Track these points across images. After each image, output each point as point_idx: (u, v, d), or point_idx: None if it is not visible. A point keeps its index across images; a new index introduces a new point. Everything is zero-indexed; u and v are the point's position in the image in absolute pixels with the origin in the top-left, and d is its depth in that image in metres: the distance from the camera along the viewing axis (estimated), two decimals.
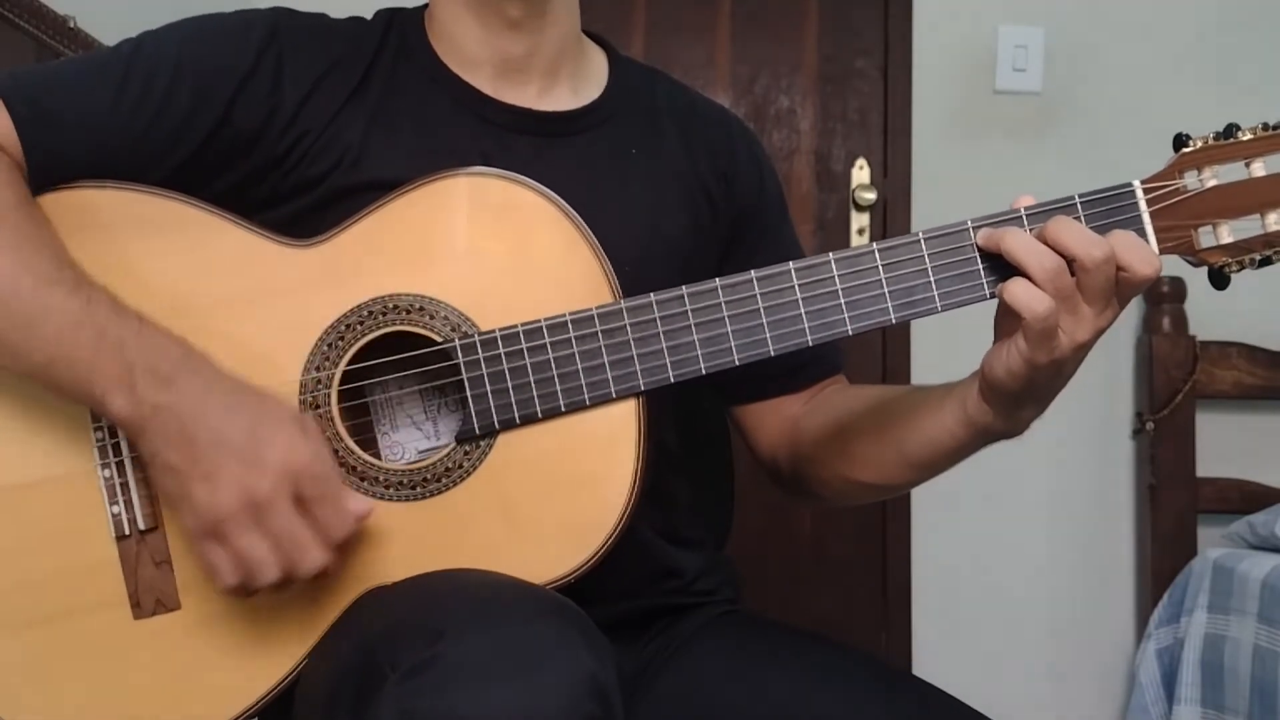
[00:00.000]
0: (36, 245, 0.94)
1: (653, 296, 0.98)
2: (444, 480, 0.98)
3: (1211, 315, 2.56)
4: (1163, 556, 2.56)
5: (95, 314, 0.92)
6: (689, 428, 1.19)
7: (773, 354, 0.97)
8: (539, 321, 0.98)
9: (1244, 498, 2.56)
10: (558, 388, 0.98)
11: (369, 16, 1.16)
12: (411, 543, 0.97)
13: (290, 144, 1.05)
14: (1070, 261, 0.90)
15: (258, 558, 0.90)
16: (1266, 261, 0.97)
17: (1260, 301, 2.44)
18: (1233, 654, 2.18)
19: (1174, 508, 2.58)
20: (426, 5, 1.17)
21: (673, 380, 0.98)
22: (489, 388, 0.98)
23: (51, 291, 0.92)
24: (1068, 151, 2.65)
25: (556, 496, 0.98)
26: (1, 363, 0.95)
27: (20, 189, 0.98)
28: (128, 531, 0.97)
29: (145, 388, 0.90)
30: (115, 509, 0.97)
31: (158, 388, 0.90)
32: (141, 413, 0.90)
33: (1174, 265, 0.98)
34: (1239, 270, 0.97)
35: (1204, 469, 2.60)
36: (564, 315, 0.98)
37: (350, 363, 0.99)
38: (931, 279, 0.96)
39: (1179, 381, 2.57)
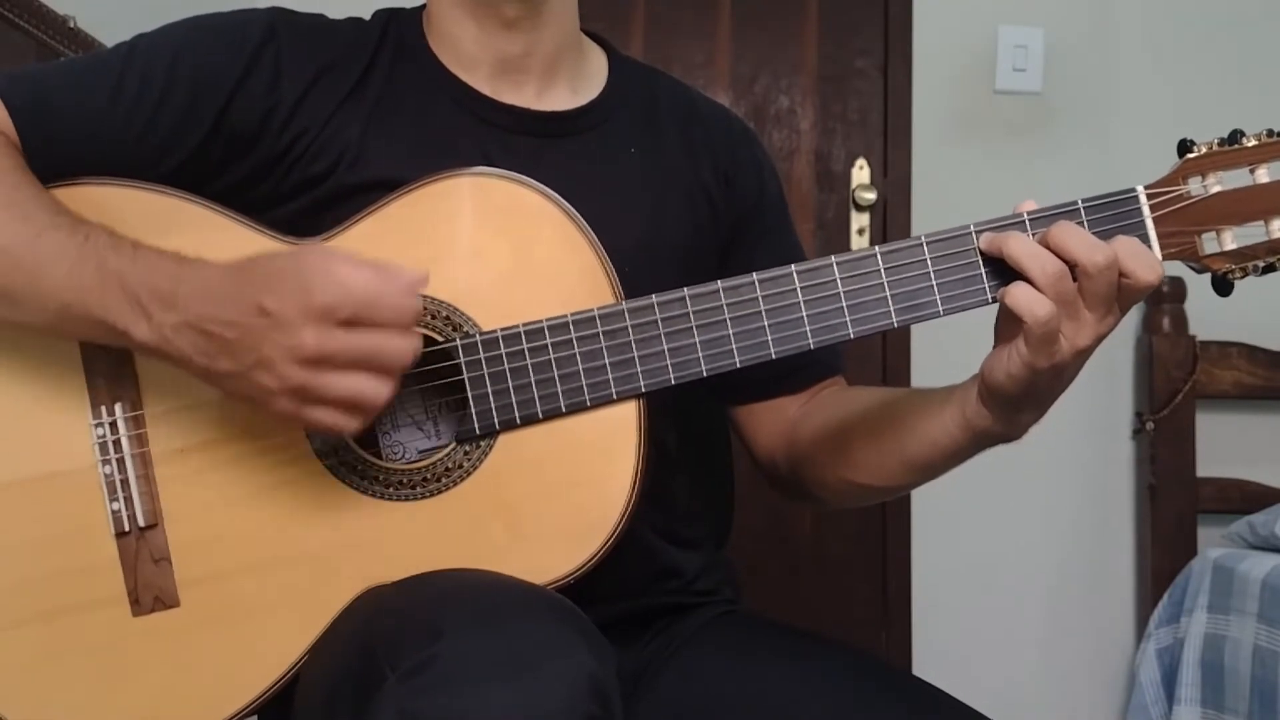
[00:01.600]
0: (31, 196, 0.96)
1: (654, 298, 0.98)
2: (444, 480, 0.98)
3: (1211, 315, 2.56)
4: (1163, 556, 2.56)
5: (95, 249, 0.93)
6: (689, 428, 1.19)
7: (774, 356, 0.97)
8: (540, 322, 0.98)
9: (1244, 498, 2.56)
10: (558, 388, 0.98)
11: (367, 17, 1.16)
12: (411, 542, 0.97)
13: (289, 143, 1.06)
14: (1072, 266, 0.90)
15: (357, 389, 0.89)
16: (1270, 268, 0.97)
17: (1260, 301, 2.43)
18: (1233, 654, 2.18)
19: (1174, 508, 2.58)
20: (424, 6, 1.17)
21: (674, 381, 0.98)
22: (490, 388, 0.98)
23: (52, 235, 0.93)
24: (1068, 152, 2.65)
25: (557, 497, 0.98)
26: (20, 320, 0.96)
27: (14, 157, 0.99)
28: (127, 528, 0.97)
29: (156, 311, 0.91)
30: (115, 506, 0.97)
31: (166, 308, 0.91)
32: (165, 335, 0.91)
33: (1175, 265, 0.98)
34: (1242, 277, 0.97)
35: (1204, 469, 2.60)
36: (565, 316, 0.98)
37: None
38: (934, 283, 0.96)
39: (1179, 381, 2.57)
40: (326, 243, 1.00)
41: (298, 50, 1.08)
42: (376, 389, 0.90)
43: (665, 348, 0.97)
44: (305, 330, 0.87)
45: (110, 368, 0.99)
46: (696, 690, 1.06)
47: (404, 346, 0.90)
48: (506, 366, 0.98)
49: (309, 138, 1.06)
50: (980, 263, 0.95)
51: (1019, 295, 0.91)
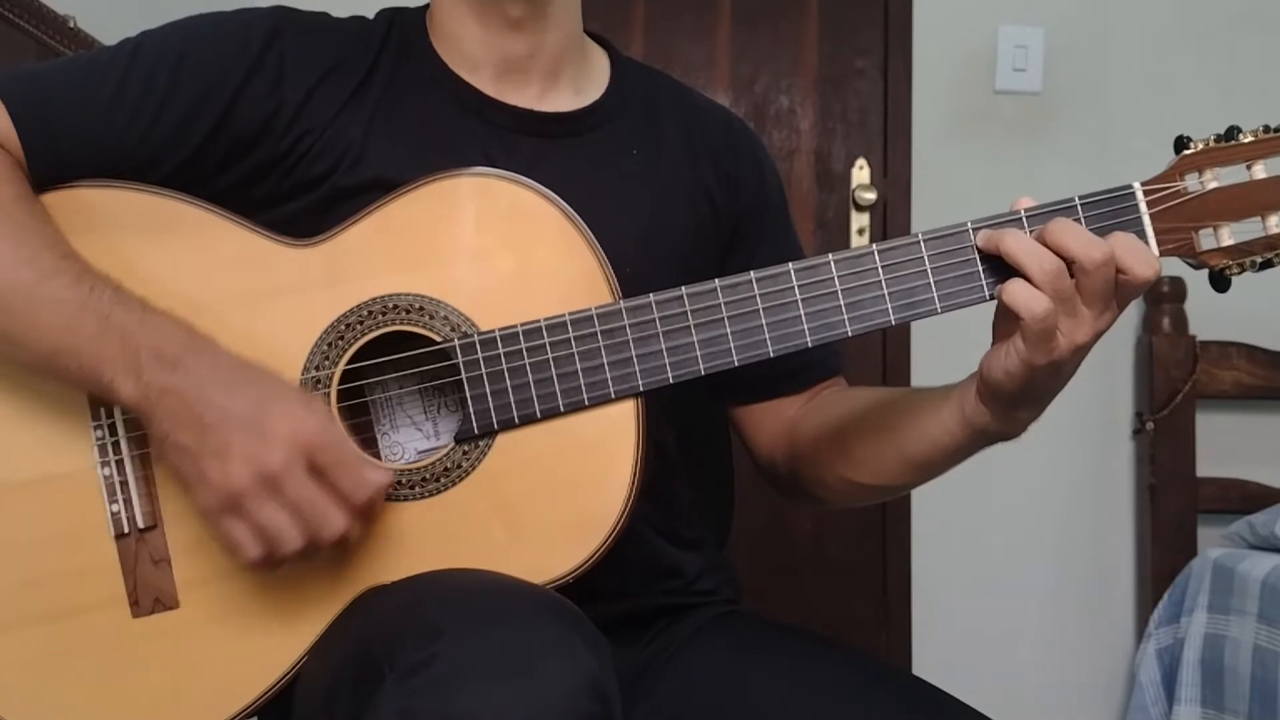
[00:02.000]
0: (38, 238, 0.95)
1: (652, 297, 0.98)
2: (443, 480, 0.98)
3: (1211, 315, 2.56)
4: (1163, 556, 2.56)
5: (99, 302, 0.93)
6: (688, 428, 1.19)
7: (772, 355, 0.97)
8: (538, 322, 0.98)
9: (1244, 498, 2.56)
10: (556, 388, 0.98)
11: (370, 16, 1.16)
12: (410, 542, 0.97)
13: (291, 143, 1.05)
14: (1070, 263, 0.90)
15: (278, 527, 0.90)
16: (1267, 264, 0.97)
17: (1260, 301, 2.43)
18: (1233, 654, 2.18)
19: (1174, 508, 2.58)
20: (428, 5, 1.17)
21: (672, 381, 0.98)
22: (488, 388, 0.98)
23: (54, 282, 0.93)
24: (1068, 151, 2.65)
25: (555, 496, 0.98)
26: (9, 355, 0.96)
27: (20, 184, 0.98)
28: (126, 530, 0.97)
29: (151, 371, 0.91)
30: (114, 507, 0.97)
31: (163, 370, 0.91)
32: (149, 396, 0.91)
33: (1174, 265, 0.98)
34: (1240, 273, 0.97)
35: (1204, 469, 2.60)
36: (563, 315, 0.98)
37: (350, 362, 0.99)
38: (931, 280, 0.96)
39: (1179, 381, 2.57)
40: (326, 242, 1.01)
41: (302, 51, 1.08)
42: (293, 540, 0.90)
43: (663, 347, 0.97)
44: (279, 450, 0.89)
45: None
46: (696, 690, 1.06)
47: (340, 523, 0.91)
48: (505, 366, 0.98)
49: (311, 139, 1.06)
50: (978, 260, 0.95)
51: (1016, 292, 0.91)
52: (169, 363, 0.91)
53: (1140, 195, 0.95)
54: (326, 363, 0.99)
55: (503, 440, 0.98)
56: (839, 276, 0.96)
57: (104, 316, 0.92)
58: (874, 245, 0.96)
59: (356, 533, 0.93)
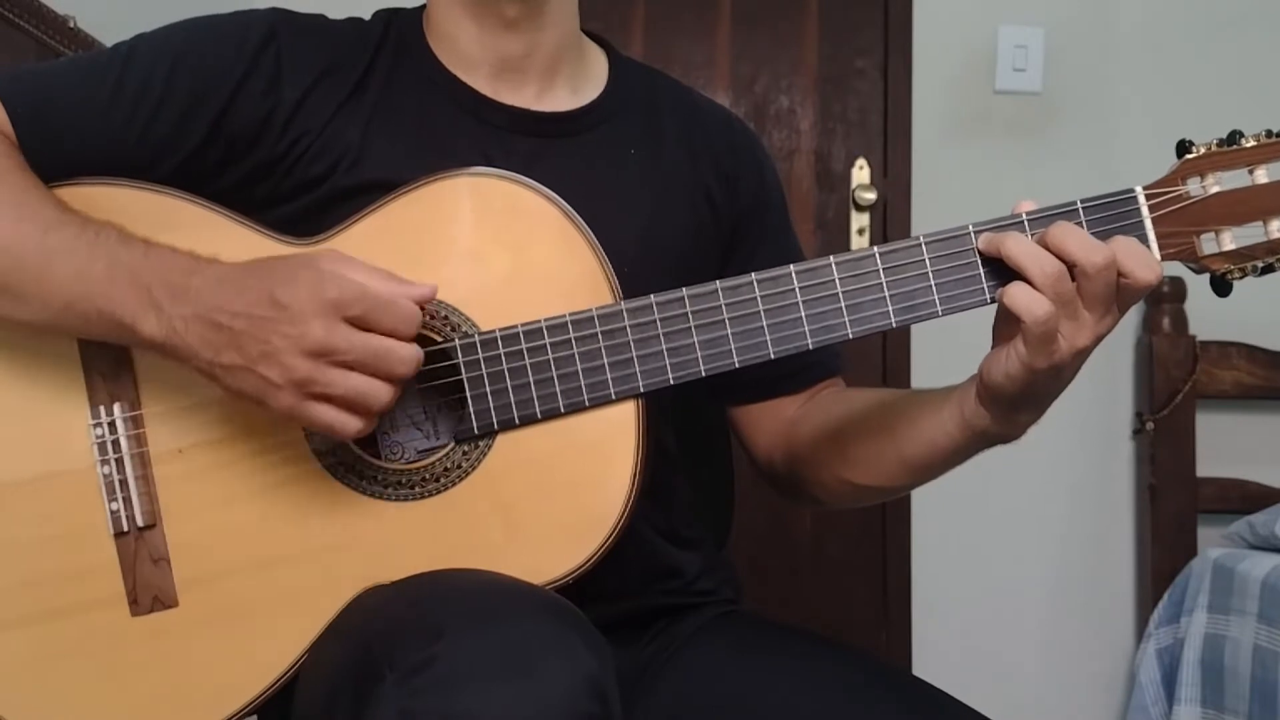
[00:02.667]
0: (36, 195, 0.96)
1: (653, 298, 0.98)
2: (443, 480, 0.98)
3: (1211, 315, 2.55)
4: (1163, 556, 2.56)
5: (105, 245, 0.93)
6: (688, 428, 1.19)
7: (773, 356, 0.97)
8: (539, 322, 0.98)
9: (1244, 498, 2.56)
10: (557, 388, 0.98)
11: (367, 17, 1.16)
12: (410, 542, 0.97)
13: (289, 144, 1.06)
14: (1071, 266, 0.90)
15: (359, 388, 0.90)
16: (1269, 269, 0.97)
17: (1260, 301, 2.43)
18: (1233, 654, 2.18)
19: (1174, 508, 2.58)
20: (424, 6, 1.17)
21: (672, 382, 0.98)
22: (488, 388, 0.98)
23: (59, 233, 0.94)
24: (1068, 152, 2.65)
25: (555, 497, 0.98)
26: (19, 316, 0.96)
27: (15, 157, 0.99)
28: (126, 528, 0.97)
29: (167, 305, 0.91)
30: (114, 506, 0.97)
31: (177, 301, 0.91)
32: (174, 327, 0.91)
33: (1174, 266, 0.98)
34: (1241, 277, 0.97)
35: (1204, 469, 2.60)
36: (564, 316, 0.98)
37: None
38: (932, 283, 0.96)
39: (1179, 381, 2.57)
40: (326, 243, 1.00)
41: (298, 52, 1.08)
42: (379, 391, 0.90)
43: (664, 348, 0.97)
44: (314, 321, 0.89)
45: (109, 367, 0.99)
46: (696, 690, 1.06)
47: (409, 353, 0.91)
48: (505, 367, 0.98)
49: (309, 139, 1.06)
50: (979, 263, 0.95)
51: (1018, 295, 0.91)
52: (179, 291, 0.91)
53: (1142, 199, 0.95)
54: None
55: (503, 441, 0.98)
56: (840, 278, 0.96)
57: (112, 259, 0.93)
58: (875, 247, 0.96)
59: (422, 357, 0.92)
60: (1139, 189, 0.96)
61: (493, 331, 0.98)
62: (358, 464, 0.98)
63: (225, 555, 0.98)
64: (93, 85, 1.03)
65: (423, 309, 0.94)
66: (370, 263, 0.99)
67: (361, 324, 0.90)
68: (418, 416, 1.06)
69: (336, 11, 1.15)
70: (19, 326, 0.97)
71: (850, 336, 0.97)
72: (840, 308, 0.96)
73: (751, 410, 1.23)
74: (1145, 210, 0.95)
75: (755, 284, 0.97)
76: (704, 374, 0.98)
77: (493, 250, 1.00)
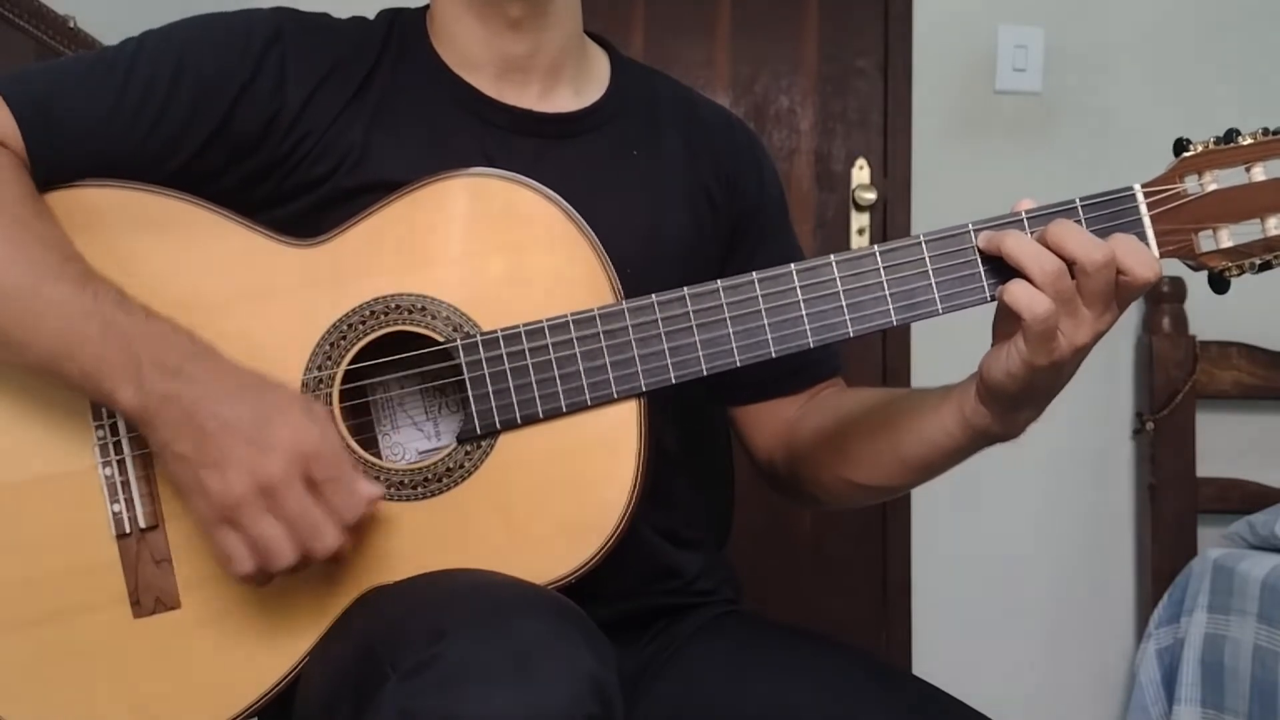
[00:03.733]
0: (41, 240, 0.95)
1: (654, 297, 0.98)
2: (445, 480, 0.98)
3: (1211, 315, 2.56)
4: (1163, 556, 2.56)
5: (101, 307, 0.92)
6: (689, 428, 1.19)
7: (774, 355, 0.97)
8: (541, 321, 0.98)
9: (1244, 498, 2.56)
10: (559, 388, 0.98)
11: (371, 17, 1.16)
12: (412, 543, 0.97)
13: (293, 145, 1.05)
14: (1070, 264, 0.90)
15: (272, 541, 0.89)
16: (1266, 266, 0.97)
17: (1260, 301, 2.43)
18: (1233, 654, 2.18)
19: (1174, 508, 2.58)
20: (428, 6, 1.17)
21: (674, 381, 0.98)
22: (490, 388, 0.98)
23: (57, 286, 0.93)
24: (1068, 152, 2.65)
25: (557, 497, 0.98)
26: (7, 359, 0.95)
27: (25, 184, 0.98)
28: (128, 530, 0.97)
29: (152, 379, 0.90)
30: (116, 507, 0.97)
31: (165, 378, 0.90)
32: (149, 403, 0.90)
33: (1174, 265, 0.98)
34: (1239, 275, 0.97)
35: (1204, 469, 2.60)
36: (566, 315, 0.98)
37: (352, 362, 0.99)
38: (932, 281, 0.96)
39: (1179, 381, 2.57)
40: (328, 243, 1.01)
41: (303, 52, 1.07)
42: (286, 553, 0.90)
43: (665, 347, 0.97)
44: (278, 461, 0.89)
45: None
46: (696, 690, 1.06)
47: (332, 540, 0.91)
48: (507, 366, 0.98)
49: (312, 140, 1.06)
50: (979, 261, 0.95)
51: (1018, 293, 0.91)
52: (170, 371, 0.91)
53: (1141, 197, 0.96)
54: (329, 363, 0.99)
55: (505, 440, 0.98)
56: (840, 277, 0.97)
57: (106, 322, 0.92)
58: (875, 246, 0.96)
59: (348, 548, 0.92)
60: (1137, 187, 0.96)
61: (495, 331, 0.98)
62: (359, 465, 0.98)
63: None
64: (97, 86, 1.03)
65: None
66: (373, 262, 0.99)
67: (314, 489, 0.90)
68: (419, 417, 1.06)
69: (340, 11, 1.15)
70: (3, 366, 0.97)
71: (851, 335, 0.97)
72: (841, 306, 0.97)
73: (752, 410, 1.24)
74: (1144, 208, 0.95)
75: (756, 283, 0.97)
76: (705, 373, 0.98)
77: (494, 250, 1.00)
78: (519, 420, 0.98)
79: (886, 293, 0.96)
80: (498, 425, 0.98)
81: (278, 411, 0.91)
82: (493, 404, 0.98)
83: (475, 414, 0.98)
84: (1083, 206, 0.95)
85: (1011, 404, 0.97)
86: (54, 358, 0.93)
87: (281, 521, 0.89)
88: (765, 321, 0.97)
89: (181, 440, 0.90)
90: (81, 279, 0.93)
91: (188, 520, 0.97)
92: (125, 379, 0.91)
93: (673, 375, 0.98)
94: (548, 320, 0.98)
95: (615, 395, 0.98)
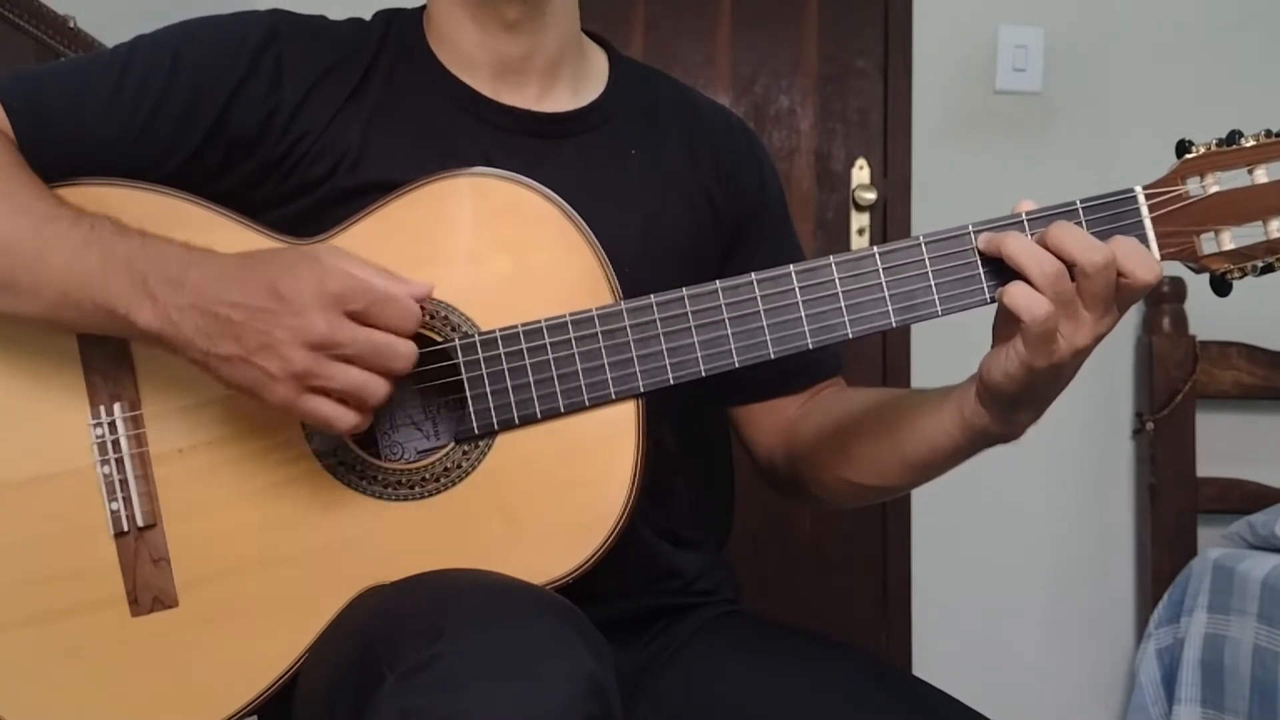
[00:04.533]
0: (30, 189, 0.96)
1: (653, 298, 0.98)
2: (443, 480, 0.98)
3: (1211, 315, 2.55)
4: (1163, 556, 2.56)
5: (100, 237, 0.93)
6: (688, 428, 1.19)
7: (773, 356, 0.97)
8: (539, 322, 0.98)
9: (1244, 498, 2.56)
10: (557, 388, 0.98)
11: (368, 18, 1.16)
12: (410, 542, 0.98)
13: (289, 146, 1.06)
14: (1071, 266, 0.90)
15: (355, 383, 0.90)
16: (1268, 268, 0.97)
17: (1260, 301, 2.43)
18: (1233, 654, 2.18)
19: (1174, 508, 2.58)
20: (425, 7, 1.17)
21: (672, 382, 0.98)
22: (488, 388, 0.98)
23: (54, 226, 0.94)
24: (1068, 152, 2.65)
25: (555, 497, 0.99)
26: (15, 310, 0.96)
27: (13, 154, 0.99)
28: (126, 528, 0.97)
29: (164, 293, 0.91)
30: (114, 506, 0.97)
31: (174, 290, 0.91)
32: (170, 318, 0.91)
33: (1174, 265, 0.98)
34: (1241, 277, 0.97)
35: (1204, 469, 2.60)
36: (564, 316, 0.98)
37: None
38: (932, 283, 0.96)
39: (1179, 381, 2.57)
40: (327, 241, 1.00)
41: (299, 53, 1.08)
42: (377, 386, 0.91)
43: (664, 348, 0.97)
44: (316, 314, 0.89)
45: (109, 367, 0.99)
46: (696, 690, 1.06)
47: (407, 349, 0.92)
48: (505, 367, 0.98)
49: (309, 141, 1.06)
50: (979, 262, 0.95)
51: (1017, 294, 0.91)
52: (175, 281, 0.91)
53: (1142, 199, 0.96)
54: None
55: (503, 440, 0.98)
56: (840, 278, 0.96)
57: (107, 250, 0.92)
58: (875, 247, 0.96)
59: (416, 353, 0.93)
60: (1138, 189, 0.96)
61: (493, 331, 0.98)
62: (358, 464, 0.99)
63: (225, 555, 0.98)
64: (93, 85, 1.03)
65: (421, 307, 0.94)
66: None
67: (362, 319, 0.90)
68: (418, 416, 1.06)
69: (337, 12, 1.15)
70: (17, 321, 0.97)
71: (850, 336, 0.97)
72: (840, 307, 0.96)
73: (751, 410, 1.24)
74: (1145, 210, 0.95)
75: (755, 284, 0.97)
76: (704, 374, 0.98)
77: (493, 250, 1.00)
78: (517, 421, 0.98)
79: (886, 294, 0.96)
80: (495, 425, 0.98)
81: (286, 273, 0.90)
82: (491, 404, 0.98)
83: (473, 414, 0.98)
84: (1083, 208, 0.95)
85: (1010, 405, 0.97)
86: (62, 296, 0.93)
87: (354, 362, 0.90)
88: (764, 323, 0.97)
89: (220, 342, 0.90)
90: (75, 217, 0.95)
91: (187, 519, 0.98)
92: (138, 301, 0.91)
93: (671, 376, 0.98)
94: (546, 321, 0.98)
95: (613, 396, 0.98)
